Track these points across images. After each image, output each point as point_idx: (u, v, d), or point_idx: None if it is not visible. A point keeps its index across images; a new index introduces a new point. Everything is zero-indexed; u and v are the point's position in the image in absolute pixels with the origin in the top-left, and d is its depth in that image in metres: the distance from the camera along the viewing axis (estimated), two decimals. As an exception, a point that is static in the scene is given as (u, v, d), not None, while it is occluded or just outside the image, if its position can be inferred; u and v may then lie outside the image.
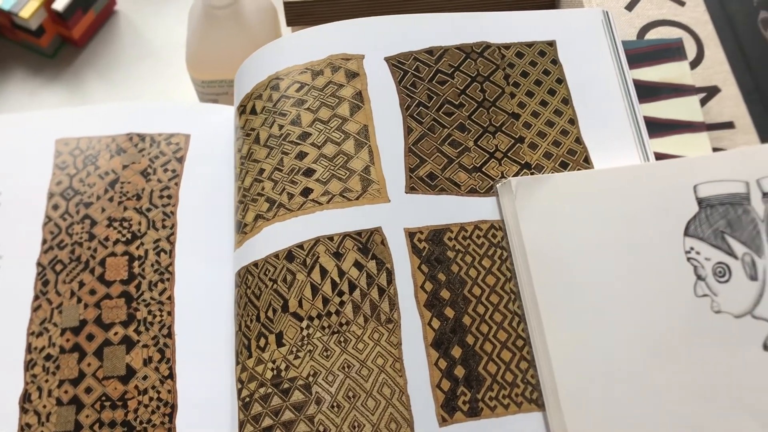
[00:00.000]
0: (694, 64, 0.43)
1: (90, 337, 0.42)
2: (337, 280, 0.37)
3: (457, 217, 0.38)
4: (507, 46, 0.42)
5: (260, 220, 0.39)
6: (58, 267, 0.44)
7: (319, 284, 0.37)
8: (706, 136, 0.40)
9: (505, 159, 0.40)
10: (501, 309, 0.37)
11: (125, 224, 0.45)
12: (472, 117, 0.41)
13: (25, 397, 0.41)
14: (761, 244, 0.37)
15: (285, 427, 0.34)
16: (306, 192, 0.38)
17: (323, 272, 0.37)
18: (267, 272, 0.38)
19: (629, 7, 0.45)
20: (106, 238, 0.44)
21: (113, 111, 0.49)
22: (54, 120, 0.49)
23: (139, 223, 0.43)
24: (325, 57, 0.42)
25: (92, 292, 0.43)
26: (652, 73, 0.42)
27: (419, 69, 0.41)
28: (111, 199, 0.45)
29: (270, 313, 0.37)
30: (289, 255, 0.37)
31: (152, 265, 0.42)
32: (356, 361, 0.35)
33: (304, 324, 0.36)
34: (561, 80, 0.42)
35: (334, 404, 0.35)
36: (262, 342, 0.37)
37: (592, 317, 0.35)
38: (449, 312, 0.36)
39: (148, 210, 0.43)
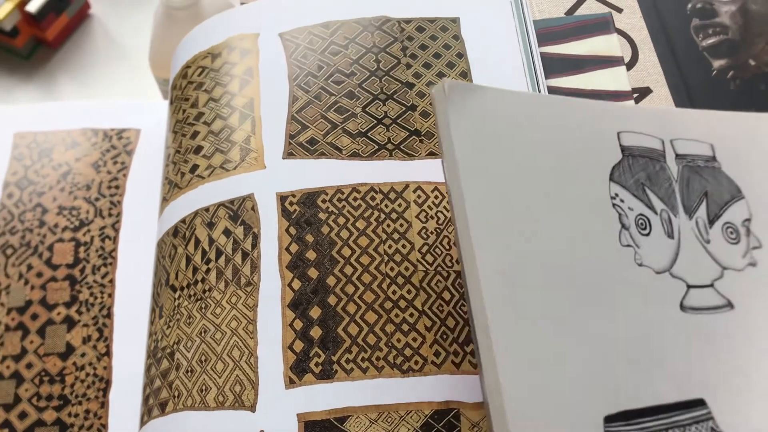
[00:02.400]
0: (629, 67, 0.45)
1: (34, 317, 0.45)
2: (207, 248, 0.38)
3: (335, 180, 0.38)
4: (408, 21, 0.43)
5: (164, 202, 0.41)
6: (9, 251, 0.47)
7: (192, 255, 0.38)
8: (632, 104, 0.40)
9: (394, 125, 0.40)
10: (371, 270, 0.36)
11: (74, 212, 0.47)
12: (363, 85, 0.41)
13: None
14: (675, 203, 0.36)
15: (155, 395, 0.36)
16: (193, 169, 0.40)
17: (197, 243, 0.38)
18: (161, 250, 0.40)
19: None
20: (56, 225, 0.47)
21: (71, 108, 0.52)
22: (15, 115, 0.52)
23: (87, 212, 0.46)
24: (224, 39, 0.43)
25: (39, 274, 0.46)
26: (579, 47, 0.43)
27: (312, 42, 0.42)
28: (62, 189, 0.48)
29: (159, 288, 0.39)
30: (175, 231, 0.40)
31: (97, 251, 0.45)
32: (212, 325, 0.36)
33: (177, 294, 0.38)
34: (462, 54, 0.42)
35: (189, 369, 0.35)
36: (152, 316, 0.39)
37: (522, 245, 0.32)
38: (313, 273, 0.36)
39: (96, 199, 0.47)
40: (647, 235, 0.34)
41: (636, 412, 0.30)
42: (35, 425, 0.42)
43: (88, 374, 0.42)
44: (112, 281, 0.44)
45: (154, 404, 0.36)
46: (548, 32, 0.44)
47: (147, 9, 0.65)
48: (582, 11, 0.46)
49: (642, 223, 0.34)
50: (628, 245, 0.33)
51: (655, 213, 0.34)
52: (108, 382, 0.41)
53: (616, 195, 0.34)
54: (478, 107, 0.34)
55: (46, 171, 0.49)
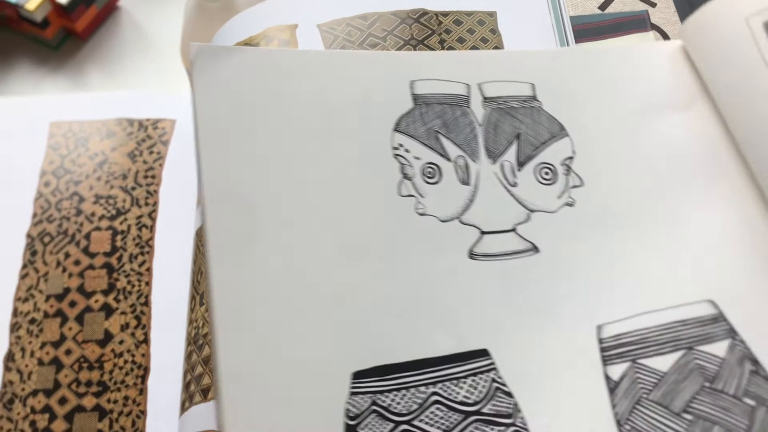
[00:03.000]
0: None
1: (72, 304, 0.46)
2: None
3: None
4: (445, 14, 0.42)
5: None
6: (47, 239, 0.47)
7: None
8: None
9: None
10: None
11: (111, 201, 0.48)
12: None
13: (9, 357, 0.44)
14: (477, 148, 0.34)
15: (197, 381, 0.36)
16: None
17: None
18: (201, 238, 0.41)
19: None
20: (92, 214, 0.48)
21: (105, 98, 0.53)
22: (50, 105, 0.53)
23: (124, 201, 0.47)
24: (262, 30, 0.42)
25: (77, 262, 0.47)
26: (615, 45, 0.42)
27: (351, 33, 0.41)
28: (99, 178, 0.49)
29: (198, 276, 0.40)
30: None
31: (134, 239, 0.46)
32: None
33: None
34: (498, 48, 0.42)
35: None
36: (192, 304, 0.39)
37: (270, 210, 0.31)
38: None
39: (133, 189, 0.47)
40: (435, 183, 0.33)
41: (393, 367, 0.29)
42: (75, 410, 0.43)
43: (126, 361, 0.42)
44: (149, 269, 0.45)
45: (195, 390, 0.36)
46: (584, 28, 0.44)
47: (176, 1, 0.65)
48: (615, 6, 0.46)
49: (430, 172, 0.33)
50: (409, 195, 0.33)
51: (449, 160, 0.34)
52: (146, 369, 0.42)
53: (400, 145, 0.34)
54: (230, 69, 0.34)
55: (82, 160, 0.50)
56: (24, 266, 0.48)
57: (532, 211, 0.33)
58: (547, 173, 0.34)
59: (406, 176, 0.33)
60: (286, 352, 0.29)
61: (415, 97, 0.35)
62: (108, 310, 0.45)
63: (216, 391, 0.28)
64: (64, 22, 0.62)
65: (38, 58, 0.63)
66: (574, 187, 0.34)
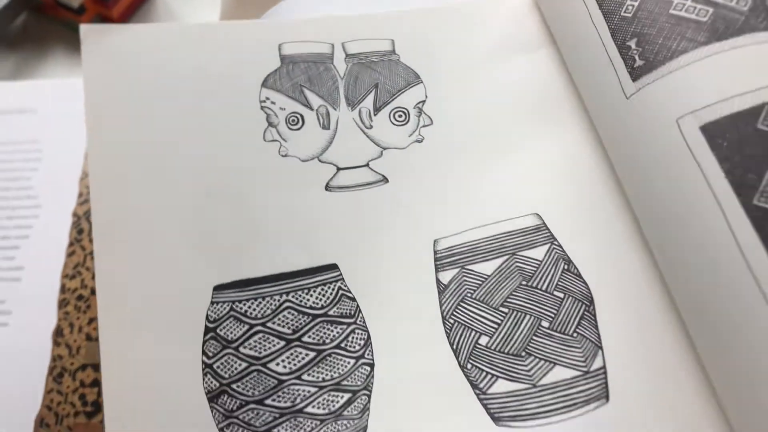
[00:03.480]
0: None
1: None
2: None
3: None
4: None
5: None
6: None
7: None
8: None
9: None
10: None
11: None
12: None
13: (58, 332, 0.46)
14: (338, 97, 0.40)
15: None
16: None
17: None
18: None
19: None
20: None
21: None
22: None
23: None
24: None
25: None
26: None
27: None
28: None
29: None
30: None
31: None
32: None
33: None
34: None
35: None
36: None
37: (146, 160, 0.37)
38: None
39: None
40: (298, 129, 0.39)
41: (253, 280, 0.35)
42: None
43: (170, 335, 0.45)
44: (197, 247, 0.47)
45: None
46: None
47: None
48: None
49: (294, 120, 0.39)
50: (273, 140, 0.38)
51: (311, 109, 0.39)
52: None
53: (267, 98, 0.39)
54: (116, 46, 0.39)
55: None
56: (71, 244, 0.49)
57: (384, 148, 0.39)
58: (400, 116, 0.40)
59: (271, 124, 0.39)
60: (158, 273, 0.35)
61: (283, 58, 0.40)
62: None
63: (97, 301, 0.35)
64: (100, 8, 0.63)
65: (74, 45, 0.64)
66: (425, 126, 0.40)
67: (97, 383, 0.45)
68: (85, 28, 0.39)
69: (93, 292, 0.47)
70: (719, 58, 0.34)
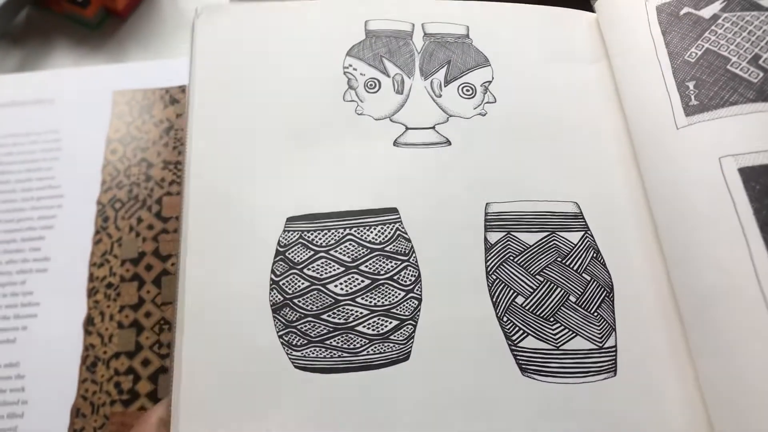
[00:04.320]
0: None
1: (148, 267, 0.48)
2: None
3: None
4: None
5: None
6: (117, 205, 0.50)
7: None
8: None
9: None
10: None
11: (180, 167, 0.51)
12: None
13: (89, 321, 0.47)
14: (413, 68, 0.45)
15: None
16: None
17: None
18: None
19: None
20: (162, 179, 0.51)
21: (165, 66, 0.57)
22: (111, 73, 0.57)
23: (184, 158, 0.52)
24: None
25: (150, 227, 0.50)
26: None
27: None
28: (166, 145, 0.52)
29: None
30: None
31: (205, 202, 0.52)
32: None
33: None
34: None
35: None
36: None
37: (248, 109, 0.42)
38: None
39: (200, 153, 0.55)
40: (375, 92, 0.44)
41: (321, 214, 0.40)
42: (159, 372, 0.46)
43: (206, 320, 0.47)
44: (223, 231, 0.49)
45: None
46: None
47: None
48: None
49: (372, 84, 0.44)
50: (351, 101, 0.43)
51: (388, 76, 0.44)
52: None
53: (350, 65, 0.44)
54: (227, 22, 0.45)
55: (147, 127, 0.53)
56: (97, 232, 0.49)
57: (450, 115, 0.44)
58: (468, 90, 0.45)
59: (351, 87, 0.44)
60: (243, 206, 0.40)
61: (368, 33, 0.45)
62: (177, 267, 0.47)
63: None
64: (105, 1, 0.64)
65: (78, 38, 0.65)
66: (489, 103, 0.45)
67: (132, 371, 0.46)
68: (201, 6, 0.44)
69: (122, 279, 0.48)
70: (762, 116, 0.40)
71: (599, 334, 0.39)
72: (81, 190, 0.52)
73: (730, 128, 0.40)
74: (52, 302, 0.48)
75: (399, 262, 0.39)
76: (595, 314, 0.39)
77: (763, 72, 0.41)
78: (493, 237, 0.40)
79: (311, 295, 0.38)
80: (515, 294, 0.39)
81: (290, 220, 0.40)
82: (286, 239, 0.39)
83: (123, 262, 0.48)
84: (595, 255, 0.40)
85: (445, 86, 0.45)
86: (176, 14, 0.67)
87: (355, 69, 0.44)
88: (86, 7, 0.62)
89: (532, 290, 0.39)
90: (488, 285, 0.39)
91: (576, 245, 0.40)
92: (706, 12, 0.44)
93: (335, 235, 0.39)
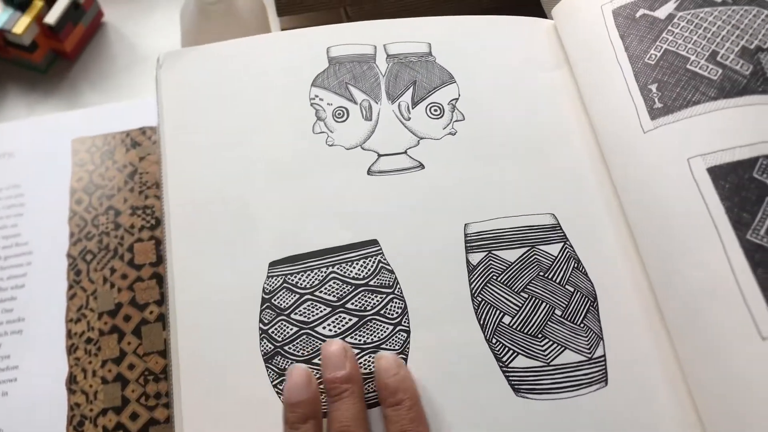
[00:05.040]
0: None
1: (127, 318, 0.48)
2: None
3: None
4: None
5: None
6: (89, 257, 0.50)
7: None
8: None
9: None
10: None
11: (148, 211, 0.51)
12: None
13: (71, 379, 0.46)
14: (379, 92, 0.45)
15: None
16: None
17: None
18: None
19: None
20: (132, 226, 0.51)
21: (123, 108, 0.57)
22: (68, 121, 0.56)
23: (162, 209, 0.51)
24: None
25: (124, 276, 0.49)
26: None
27: None
28: (132, 190, 0.52)
29: None
30: None
31: (178, 245, 0.52)
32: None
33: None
34: None
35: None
36: None
37: (218, 150, 0.43)
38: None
39: (168, 195, 0.55)
40: (344, 121, 0.44)
41: (303, 255, 0.40)
42: (148, 424, 0.45)
43: (191, 368, 0.46)
44: (198, 272, 0.49)
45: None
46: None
47: (161, 10, 0.68)
48: None
49: (340, 113, 0.45)
50: (321, 132, 0.44)
51: (355, 103, 0.45)
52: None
53: (316, 96, 0.45)
54: (189, 66, 0.45)
55: (111, 173, 0.53)
56: (70, 287, 0.49)
57: (421, 138, 0.45)
58: (435, 110, 0.45)
59: (319, 118, 0.44)
60: (224, 257, 0.41)
61: (330, 59, 0.46)
62: (164, 320, 0.46)
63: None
64: (53, 43, 0.63)
65: (29, 83, 0.64)
66: (457, 121, 0.45)
67: (120, 426, 0.45)
68: (162, 54, 0.46)
69: (101, 333, 0.47)
70: (725, 112, 0.41)
71: (587, 345, 0.39)
72: (49, 245, 0.51)
73: (695, 128, 0.41)
74: (31, 364, 0.47)
75: (384, 296, 0.39)
76: (582, 325, 0.40)
77: (722, 68, 0.42)
78: (475, 258, 0.41)
79: (301, 341, 0.38)
80: (502, 314, 0.39)
81: (272, 264, 0.40)
82: (270, 285, 0.39)
83: (100, 315, 0.48)
84: (576, 265, 0.41)
85: (413, 108, 0.45)
86: (126, 50, 0.67)
87: (321, 99, 0.45)
88: (34, 51, 0.62)
89: (517, 308, 0.40)
90: (474, 308, 0.40)
91: (556, 257, 0.41)
92: (662, 12, 0.45)
93: (318, 275, 0.39)
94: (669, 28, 0.44)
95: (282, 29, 0.61)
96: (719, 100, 0.41)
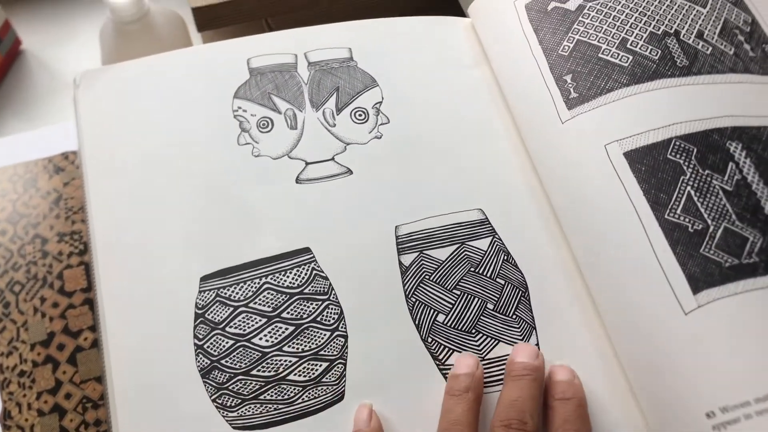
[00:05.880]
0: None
1: (61, 347, 0.47)
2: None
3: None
4: None
5: None
6: (17, 288, 0.49)
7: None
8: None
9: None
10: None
11: (76, 237, 0.50)
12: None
13: (6, 415, 0.45)
14: (303, 101, 0.46)
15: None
16: None
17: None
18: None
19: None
20: (60, 253, 0.50)
21: (42, 135, 0.56)
22: None
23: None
24: None
25: (55, 305, 0.49)
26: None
27: None
28: (58, 216, 0.51)
29: None
30: None
31: (109, 270, 0.51)
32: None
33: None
34: None
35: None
36: None
37: (141, 168, 0.43)
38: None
39: (95, 219, 0.54)
40: (269, 131, 0.45)
41: (234, 267, 0.41)
42: None
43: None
44: (130, 295, 0.48)
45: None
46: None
47: (78, 34, 0.69)
48: None
49: (264, 124, 0.45)
50: (247, 143, 0.45)
51: (279, 113, 0.46)
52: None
53: (239, 108, 0.46)
54: (107, 85, 0.46)
55: (35, 201, 0.52)
56: None
57: (348, 144, 0.45)
58: (360, 115, 0.46)
59: (244, 130, 0.45)
60: (153, 273, 0.41)
61: (251, 71, 0.47)
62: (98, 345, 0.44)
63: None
64: None
65: None
66: (382, 124, 0.46)
67: None
68: (79, 74, 0.45)
69: (35, 364, 0.47)
70: (638, 97, 0.43)
71: (520, 335, 0.41)
72: (-26, 281, 0.51)
73: (610, 115, 0.43)
74: (-38, 406, 0.47)
75: (320, 302, 0.40)
76: (514, 317, 0.41)
77: (632, 55, 0.44)
78: (407, 259, 0.42)
79: (238, 353, 0.39)
80: (436, 313, 0.41)
81: (204, 279, 0.40)
82: (202, 300, 0.40)
83: (33, 346, 0.48)
84: (505, 257, 0.42)
85: (337, 114, 0.46)
86: (46, 76, 0.67)
87: (245, 111, 0.45)
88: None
89: (451, 306, 0.41)
90: (409, 308, 0.41)
91: (486, 251, 0.42)
92: (572, 4, 0.47)
93: (252, 287, 0.40)
94: (580, 18, 0.46)
95: (205, 44, 0.61)
96: (631, 86, 0.43)
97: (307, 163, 0.44)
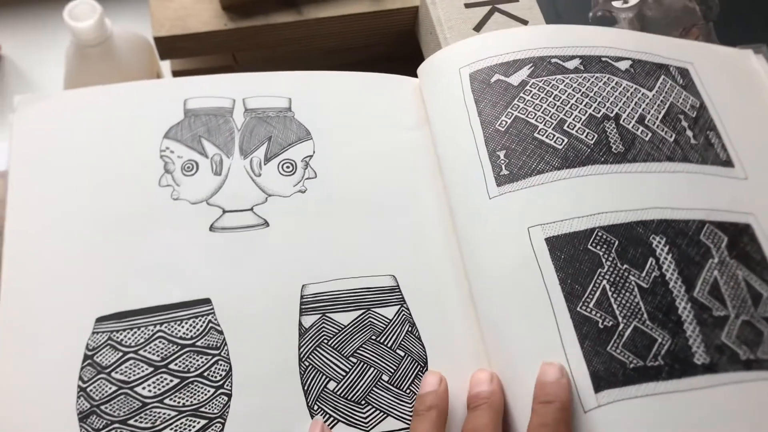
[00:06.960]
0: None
1: None
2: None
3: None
4: None
5: None
6: None
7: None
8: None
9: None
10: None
11: None
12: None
13: None
14: (233, 147, 0.46)
15: None
16: None
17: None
18: None
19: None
20: None
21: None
22: None
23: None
24: None
25: None
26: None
27: None
28: None
29: None
30: None
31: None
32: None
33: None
34: None
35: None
36: None
37: (60, 201, 0.43)
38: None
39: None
40: (192, 175, 0.45)
41: (131, 312, 0.41)
42: None
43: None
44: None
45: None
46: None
47: (58, 46, 0.65)
48: (489, 26, 0.55)
49: (189, 167, 0.45)
50: (167, 185, 0.45)
51: (206, 157, 0.46)
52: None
53: (167, 148, 0.46)
54: (42, 113, 0.46)
55: None
56: None
57: (270, 195, 0.46)
58: (288, 167, 0.47)
59: (167, 171, 0.45)
60: (49, 306, 0.41)
61: (186, 111, 0.47)
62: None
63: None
64: None
65: None
66: (309, 178, 0.46)
67: None
68: (17, 100, 0.47)
69: None
70: (567, 183, 0.43)
71: (411, 411, 0.41)
72: None
73: (537, 198, 0.43)
74: None
75: (210, 357, 0.40)
76: (407, 391, 0.41)
77: (568, 137, 0.44)
78: (308, 321, 0.42)
79: (119, 400, 0.39)
80: (327, 379, 0.41)
81: (99, 320, 0.41)
82: (94, 342, 0.40)
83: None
84: (410, 329, 0.43)
85: (265, 164, 0.46)
86: (22, 84, 0.68)
87: (172, 152, 0.46)
88: None
89: (344, 373, 0.41)
90: (300, 373, 0.41)
91: (391, 320, 0.42)
92: (515, 78, 0.47)
93: (145, 333, 0.40)
94: (521, 95, 0.46)
95: (172, 71, 0.62)
96: (562, 170, 0.43)
97: (224, 211, 0.44)
